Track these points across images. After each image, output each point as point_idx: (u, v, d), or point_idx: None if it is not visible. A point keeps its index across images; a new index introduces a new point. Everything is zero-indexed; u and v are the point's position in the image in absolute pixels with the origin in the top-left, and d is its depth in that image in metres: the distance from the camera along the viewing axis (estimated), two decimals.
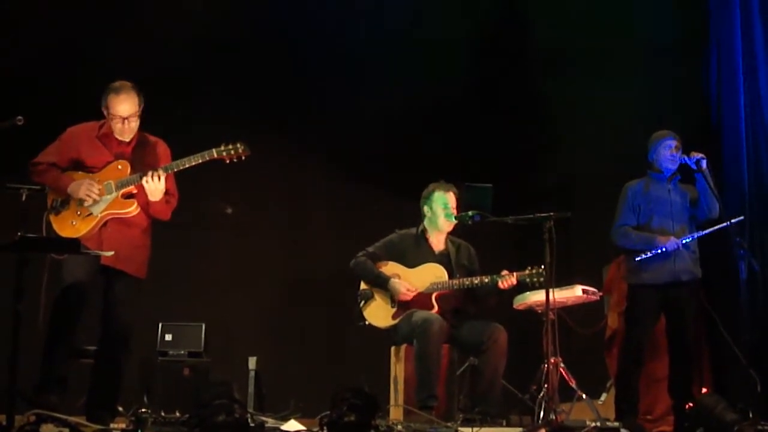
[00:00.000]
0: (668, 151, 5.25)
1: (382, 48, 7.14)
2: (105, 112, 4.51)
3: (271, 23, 7.05)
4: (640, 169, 5.42)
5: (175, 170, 4.51)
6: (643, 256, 5.12)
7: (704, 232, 5.21)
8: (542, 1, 7.42)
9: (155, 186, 4.42)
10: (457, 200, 5.50)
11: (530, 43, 7.46)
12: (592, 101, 6.79)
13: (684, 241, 5.14)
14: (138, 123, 4.54)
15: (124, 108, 4.46)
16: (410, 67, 7.28)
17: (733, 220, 5.13)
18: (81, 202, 4.43)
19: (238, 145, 4.51)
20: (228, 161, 4.52)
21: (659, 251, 5.10)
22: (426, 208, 5.49)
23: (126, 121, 4.48)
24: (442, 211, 5.41)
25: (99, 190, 4.40)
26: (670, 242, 5.11)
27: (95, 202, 4.41)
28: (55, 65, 6.32)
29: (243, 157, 4.53)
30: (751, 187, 6.05)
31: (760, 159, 6.10)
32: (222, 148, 4.50)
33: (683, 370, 5.26)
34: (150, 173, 4.40)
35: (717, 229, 5.20)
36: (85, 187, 4.39)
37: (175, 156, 4.60)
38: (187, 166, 4.48)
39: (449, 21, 7.31)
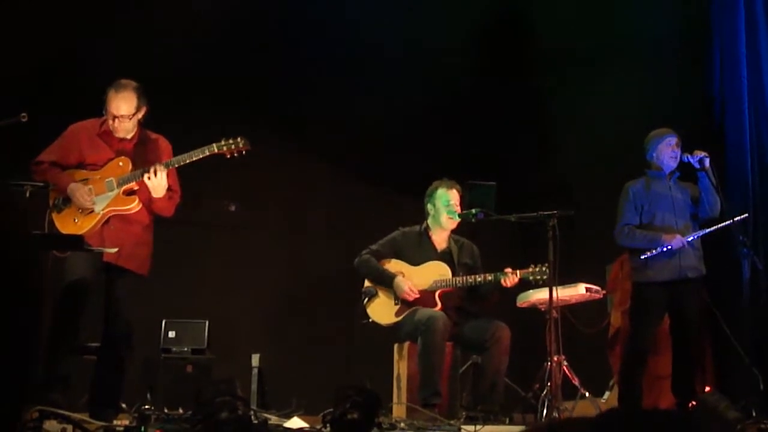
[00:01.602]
0: (669, 148, 5.23)
1: (383, 47, 7.13)
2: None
3: (272, 23, 7.05)
4: (642, 168, 5.40)
5: (176, 166, 4.51)
6: (649, 254, 5.10)
7: (709, 230, 5.17)
8: (542, 1, 7.41)
9: (157, 182, 4.41)
10: (461, 198, 5.49)
11: (531, 43, 7.45)
12: (594, 100, 6.78)
13: (689, 239, 5.12)
14: (133, 125, 4.52)
15: (118, 106, 4.44)
16: (411, 66, 7.27)
17: (737, 218, 5.12)
18: None
19: (239, 140, 4.52)
20: (228, 156, 4.53)
21: (664, 249, 5.09)
22: (429, 206, 5.49)
23: (117, 119, 4.45)
24: (444, 209, 5.40)
25: (91, 201, 4.38)
26: (676, 240, 5.08)
27: (93, 206, 4.41)
28: (56, 64, 6.32)
29: (243, 152, 4.54)
30: (755, 186, 6.02)
31: (764, 157, 6.07)
32: (222, 142, 4.50)
33: (686, 369, 5.23)
34: (151, 169, 4.40)
35: (722, 227, 5.17)
36: (80, 196, 4.38)
37: (176, 155, 4.59)
38: (187, 161, 4.48)
39: (450, 21, 7.30)
